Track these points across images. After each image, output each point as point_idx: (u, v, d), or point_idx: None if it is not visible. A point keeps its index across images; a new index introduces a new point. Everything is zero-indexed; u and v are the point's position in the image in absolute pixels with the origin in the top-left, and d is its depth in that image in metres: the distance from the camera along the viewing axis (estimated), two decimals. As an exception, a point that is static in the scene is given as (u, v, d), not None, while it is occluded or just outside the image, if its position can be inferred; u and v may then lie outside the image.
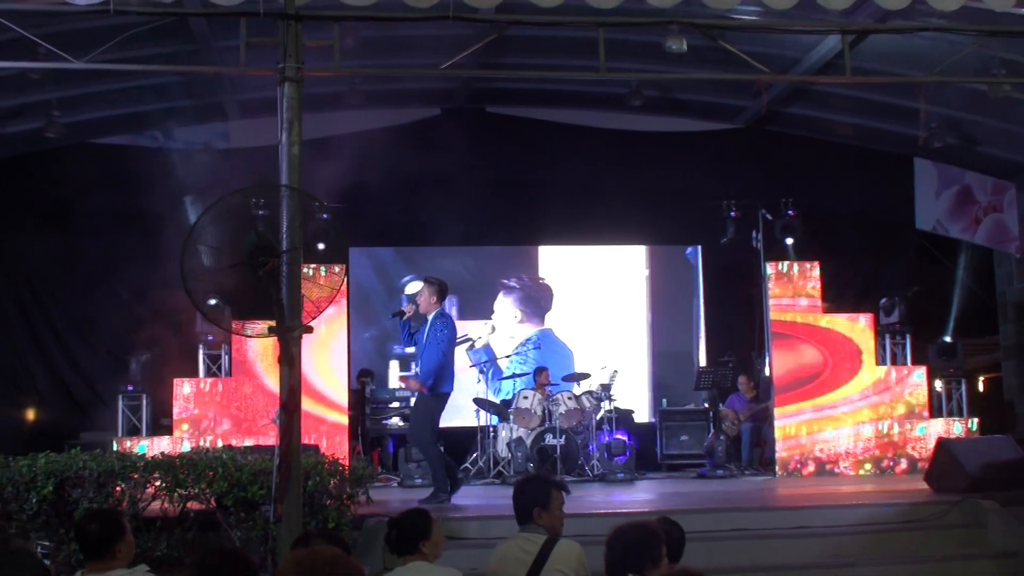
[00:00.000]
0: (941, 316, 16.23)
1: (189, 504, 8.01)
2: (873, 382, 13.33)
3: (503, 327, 15.71)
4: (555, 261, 16.23)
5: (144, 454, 8.76)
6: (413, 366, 10.65)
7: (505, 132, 15.35)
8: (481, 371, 14.26)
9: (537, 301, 15.88)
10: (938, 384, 14.30)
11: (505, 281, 15.88)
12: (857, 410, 13.26)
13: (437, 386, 10.17)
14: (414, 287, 14.71)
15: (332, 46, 8.26)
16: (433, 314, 10.27)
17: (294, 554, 3.45)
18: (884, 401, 13.31)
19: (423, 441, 10.36)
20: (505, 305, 15.87)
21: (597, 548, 4.87)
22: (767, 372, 13.96)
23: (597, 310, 16.08)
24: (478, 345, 15.12)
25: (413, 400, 10.66)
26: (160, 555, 7.54)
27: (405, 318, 10.33)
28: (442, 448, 10.57)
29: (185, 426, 12.30)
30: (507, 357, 15.35)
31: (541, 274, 16.06)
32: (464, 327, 13.81)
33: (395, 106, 14.83)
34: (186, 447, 11.28)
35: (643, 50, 11.29)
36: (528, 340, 15.79)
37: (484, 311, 15.80)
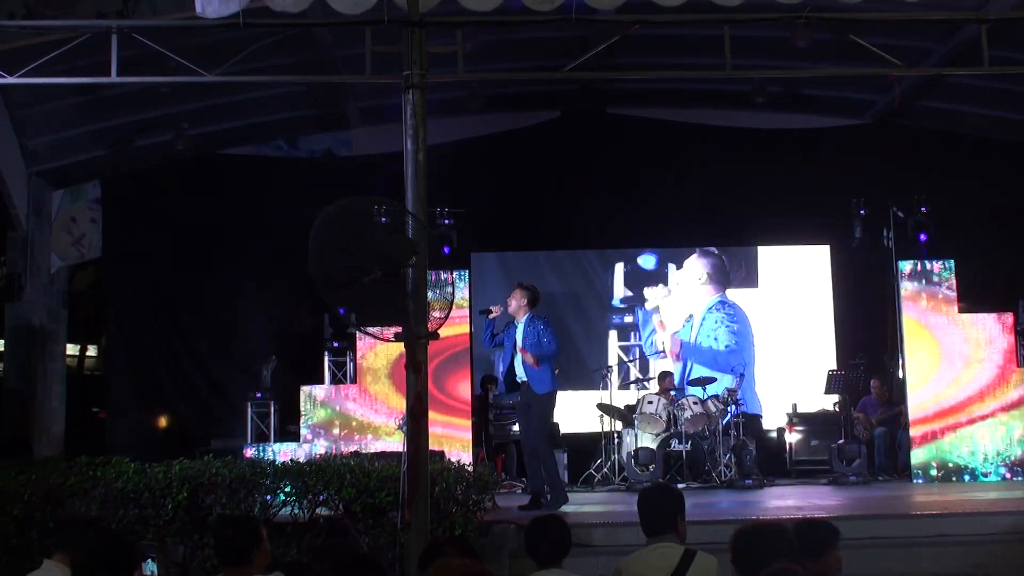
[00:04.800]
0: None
1: (318, 510, 8.15)
2: (1015, 384, 12.86)
3: (685, 286, 15.61)
4: (679, 264, 16.03)
5: (274, 461, 8.92)
6: (501, 366, 10.84)
7: (626, 133, 15.25)
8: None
9: (727, 273, 15.75)
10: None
11: (702, 247, 15.77)
12: (998, 414, 12.80)
13: (553, 385, 10.42)
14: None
15: (453, 52, 8.34)
16: (525, 317, 10.44)
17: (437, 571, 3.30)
18: (1027, 404, 12.83)
19: (543, 444, 10.46)
20: (695, 265, 15.73)
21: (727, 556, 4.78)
22: (900, 375, 13.59)
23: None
24: (649, 307, 15.32)
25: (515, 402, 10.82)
26: (290, 561, 7.67)
27: (491, 318, 10.62)
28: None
29: (314, 432, 12.51)
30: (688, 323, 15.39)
31: (665, 277, 15.88)
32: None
33: (514, 110, 14.88)
34: (314, 453, 11.49)
35: (768, 46, 11.13)
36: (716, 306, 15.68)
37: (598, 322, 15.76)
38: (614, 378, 14.10)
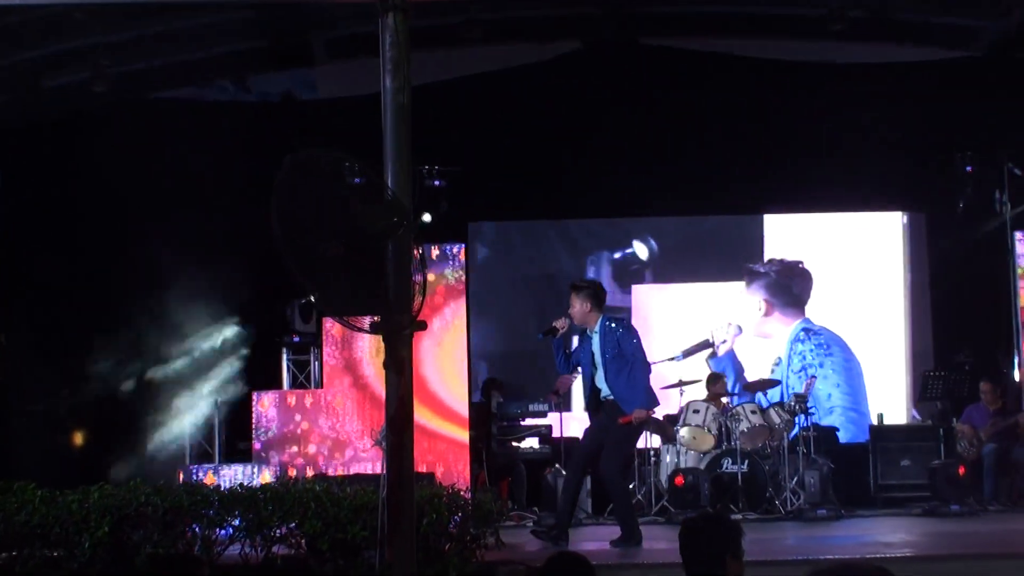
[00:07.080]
0: None
1: (275, 548, 8.18)
2: None
3: (749, 325, 15.69)
4: (736, 232, 16.04)
5: (219, 486, 8.95)
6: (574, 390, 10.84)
7: (666, 69, 15.21)
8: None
9: (788, 289, 15.77)
10: None
11: (750, 266, 15.83)
12: None
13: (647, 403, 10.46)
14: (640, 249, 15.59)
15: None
16: (598, 324, 10.40)
17: None
18: None
19: (615, 475, 10.55)
20: (748, 298, 15.85)
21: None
22: (1017, 376, 13.58)
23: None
24: (721, 352, 15.25)
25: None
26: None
27: (559, 335, 10.48)
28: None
29: (270, 449, 12.54)
30: (776, 366, 15.38)
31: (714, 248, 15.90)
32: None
33: (523, 40, 14.83)
34: (269, 477, 11.52)
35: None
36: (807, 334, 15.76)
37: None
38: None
